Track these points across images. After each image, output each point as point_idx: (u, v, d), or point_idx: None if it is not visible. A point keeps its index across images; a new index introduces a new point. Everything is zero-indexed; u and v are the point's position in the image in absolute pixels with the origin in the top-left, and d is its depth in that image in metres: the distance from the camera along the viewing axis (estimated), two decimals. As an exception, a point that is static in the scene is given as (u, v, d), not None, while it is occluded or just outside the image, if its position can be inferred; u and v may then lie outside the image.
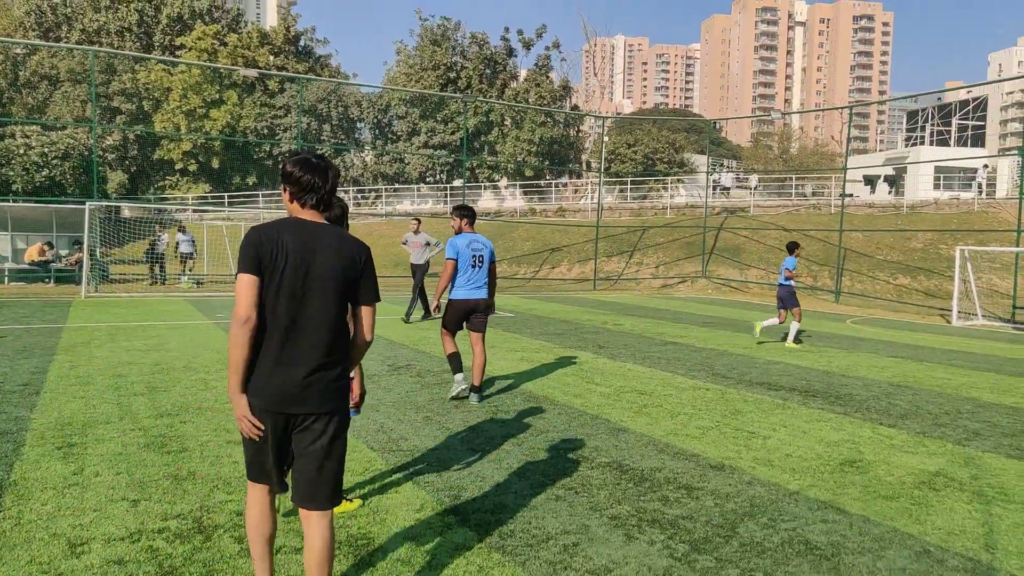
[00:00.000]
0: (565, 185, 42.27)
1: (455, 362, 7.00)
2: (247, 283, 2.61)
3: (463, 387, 7.00)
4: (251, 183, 44.83)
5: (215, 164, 44.29)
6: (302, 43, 49.72)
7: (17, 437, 5.36)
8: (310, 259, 2.68)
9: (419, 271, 14.28)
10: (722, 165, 47.99)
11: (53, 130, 35.46)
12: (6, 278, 20.52)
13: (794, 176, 40.25)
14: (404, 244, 14.79)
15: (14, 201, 26.15)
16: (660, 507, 4.32)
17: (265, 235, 2.66)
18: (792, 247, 11.89)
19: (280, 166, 2.76)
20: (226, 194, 43.46)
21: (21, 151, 32.95)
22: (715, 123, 60.05)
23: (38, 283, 20.35)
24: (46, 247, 21.16)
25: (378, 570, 3.38)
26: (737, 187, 39.62)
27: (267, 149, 43.73)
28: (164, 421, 5.94)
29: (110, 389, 7.08)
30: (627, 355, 10.25)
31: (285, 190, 2.81)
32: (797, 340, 11.82)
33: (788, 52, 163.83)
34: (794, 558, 3.69)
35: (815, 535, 4.00)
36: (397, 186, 43.86)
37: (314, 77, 41.54)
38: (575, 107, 49.84)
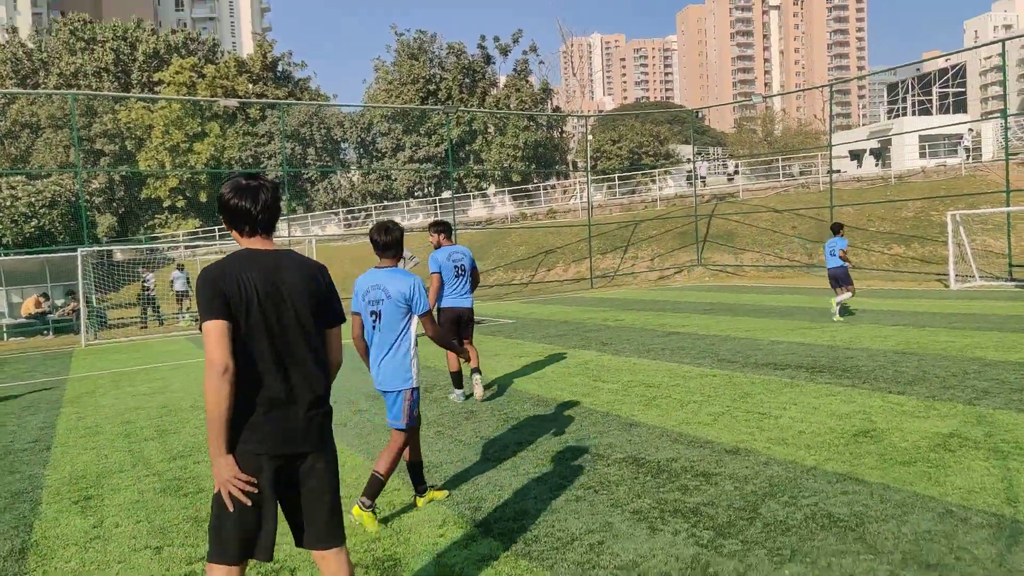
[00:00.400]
0: (553, 187, 42.33)
1: (457, 379, 7.55)
2: (218, 330, 2.40)
3: (461, 400, 7.52)
4: (240, 214, 44.82)
5: (203, 198, 44.32)
6: (280, 68, 49.81)
7: (33, 496, 5.34)
8: (278, 289, 2.54)
9: None
10: (707, 153, 48.15)
11: (38, 178, 35.44)
12: (4, 334, 20.45)
13: (780, 158, 40.38)
14: None
15: (5, 254, 26.12)
16: (680, 496, 4.33)
17: (224, 274, 2.48)
18: (837, 228, 12.38)
19: None
20: (216, 227, 43.46)
21: (8, 203, 32.92)
22: (697, 112, 60.23)
23: (37, 336, 20.31)
24: (42, 299, 21.10)
25: (406, 589, 3.39)
26: (714, 174, 39.76)
27: (253, 178, 43.78)
28: (177, 464, 5.93)
29: (120, 437, 7.07)
30: (631, 350, 10.27)
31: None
32: (843, 313, 12.21)
33: (764, 36, 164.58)
34: (819, 532, 3.71)
35: (837, 507, 4.02)
36: (386, 203, 43.90)
37: (294, 101, 41.63)
38: (557, 109, 49.96)
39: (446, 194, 43.20)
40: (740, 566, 3.39)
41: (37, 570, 3.96)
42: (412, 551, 3.83)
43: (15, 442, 7.18)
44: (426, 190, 44.02)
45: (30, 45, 48.99)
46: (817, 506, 4.06)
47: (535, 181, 43.75)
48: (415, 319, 4.43)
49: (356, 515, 4.22)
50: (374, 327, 4.47)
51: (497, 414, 6.87)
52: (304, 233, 38.34)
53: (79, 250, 18.51)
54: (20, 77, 47.33)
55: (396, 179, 43.66)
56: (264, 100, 39.37)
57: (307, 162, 43.56)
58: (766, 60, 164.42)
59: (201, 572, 3.76)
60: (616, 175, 39.74)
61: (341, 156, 47.02)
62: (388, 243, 4.50)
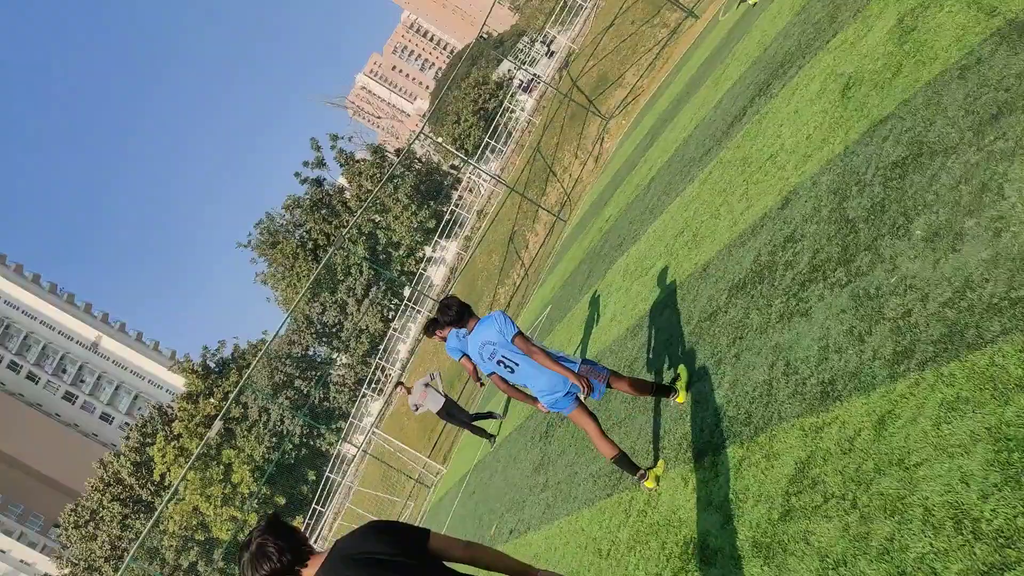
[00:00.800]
0: (461, 199, 41.94)
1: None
2: None
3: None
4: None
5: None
6: (212, 364, 49.57)
7: None
8: None
9: (445, 409, 11.91)
10: None
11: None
12: None
13: None
14: (416, 410, 12.28)
15: None
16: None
17: None
18: None
19: None
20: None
21: None
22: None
23: None
24: None
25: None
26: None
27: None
28: None
29: None
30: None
31: None
32: None
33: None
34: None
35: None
36: (385, 349, 43.54)
37: (236, 388, 41.26)
38: (398, 151, 49.66)
39: (407, 291, 42.78)
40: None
41: None
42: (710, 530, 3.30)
43: None
44: (391, 305, 43.65)
45: None
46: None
47: (446, 208, 43.37)
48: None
49: (649, 486, 4.54)
50: (512, 372, 4.75)
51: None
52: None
53: None
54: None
55: (367, 327, 43.26)
56: (221, 403, 38.83)
57: (305, 391, 43.20)
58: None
59: None
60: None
61: (318, 360, 46.59)
62: (456, 316, 4.92)
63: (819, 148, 4.74)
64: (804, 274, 3.91)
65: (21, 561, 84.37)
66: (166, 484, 42.97)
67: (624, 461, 4.63)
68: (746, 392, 3.81)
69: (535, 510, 6.66)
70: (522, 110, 37.45)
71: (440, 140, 40.29)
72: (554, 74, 32.13)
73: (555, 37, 37.54)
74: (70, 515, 48.81)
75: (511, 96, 39.35)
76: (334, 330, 45.42)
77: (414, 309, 41.59)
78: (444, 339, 7.47)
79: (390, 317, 43.28)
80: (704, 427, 4.11)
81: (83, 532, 47.52)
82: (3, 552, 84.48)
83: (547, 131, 29.99)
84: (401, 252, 42.53)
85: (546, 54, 38.90)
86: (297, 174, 45.25)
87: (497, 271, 30.04)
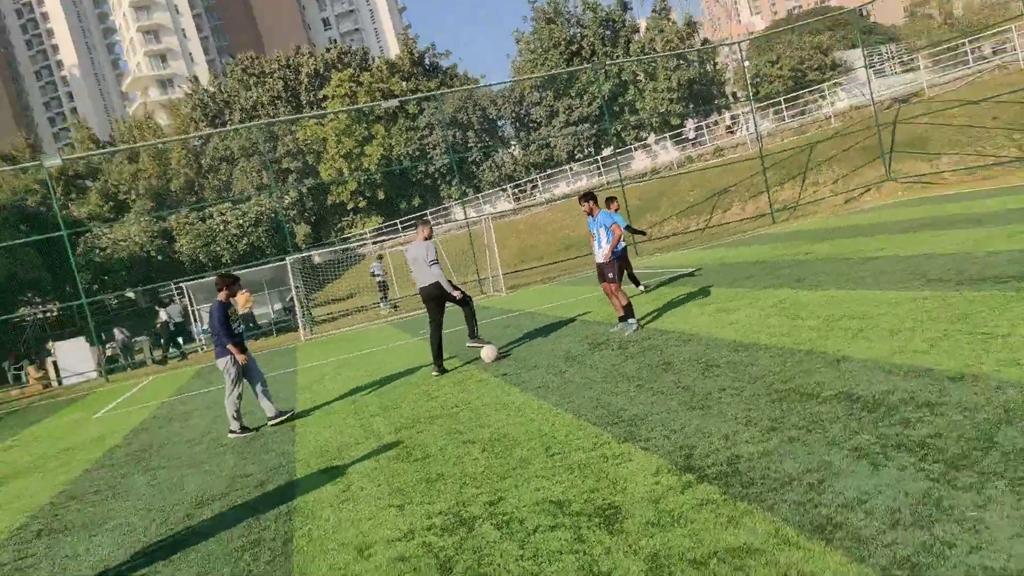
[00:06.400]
0: (716, 124, 40.38)
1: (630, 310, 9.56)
2: None
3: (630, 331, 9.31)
4: (416, 204, 47.48)
5: (381, 196, 47.44)
6: (427, 62, 51.73)
7: (289, 469, 6.21)
8: None
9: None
10: (880, 53, 43.33)
11: (241, 202, 39.89)
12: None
13: (967, 40, 35.38)
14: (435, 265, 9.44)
15: (225, 271, 29.75)
16: (902, 430, 4.12)
17: None
18: None
19: None
20: (398, 220, 46.40)
21: (221, 227, 37.47)
22: (861, 10, 54.17)
23: (267, 336, 23.08)
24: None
25: (631, 535, 3.57)
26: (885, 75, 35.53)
27: (423, 169, 46.06)
28: (403, 435, 6.58)
29: (350, 415, 7.94)
30: (829, 282, 9.69)
31: None
32: None
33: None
34: (1074, 458, 3.38)
35: (1095, 430, 3.62)
36: (550, 171, 44.33)
37: (447, 90, 43.06)
38: (705, 41, 47.37)
39: (607, 151, 42.75)
40: (978, 498, 3.19)
41: (303, 527, 4.64)
42: (631, 499, 4.01)
43: (265, 425, 8.32)
44: (586, 151, 43.81)
45: (211, 89, 54.82)
46: (1068, 427, 3.69)
47: (696, 121, 41.97)
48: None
49: None
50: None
51: (696, 364, 6.85)
52: (478, 213, 39.81)
53: (287, 259, 20.71)
54: (209, 118, 53.22)
55: (555, 146, 43.89)
56: (419, 95, 41.07)
57: (469, 145, 45.03)
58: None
59: (440, 524, 4.20)
60: (781, 98, 37.06)
61: (499, 133, 48.04)
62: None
63: None
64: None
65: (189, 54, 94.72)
66: (324, 103, 46.66)
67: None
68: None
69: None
70: (831, 104, 34.80)
71: (747, 64, 38.12)
72: (887, 100, 29.44)
73: (923, 66, 33.87)
74: (244, 59, 53.93)
75: (832, 84, 36.42)
76: (534, 123, 46.17)
77: (588, 170, 41.73)
78: (588, 212, 9.57)
79: (576, 157, 43.63)
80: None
81: (245, 78, 52.59)
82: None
83: (830, 140, 28.12)
84: (628, 118, 41.94)
85: (902, 69, 35.27)
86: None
87: (686, 206, 29.64)
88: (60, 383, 21.35)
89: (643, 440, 4.97)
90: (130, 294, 35.21)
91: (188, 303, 23.86)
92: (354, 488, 5.26)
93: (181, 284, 24.97)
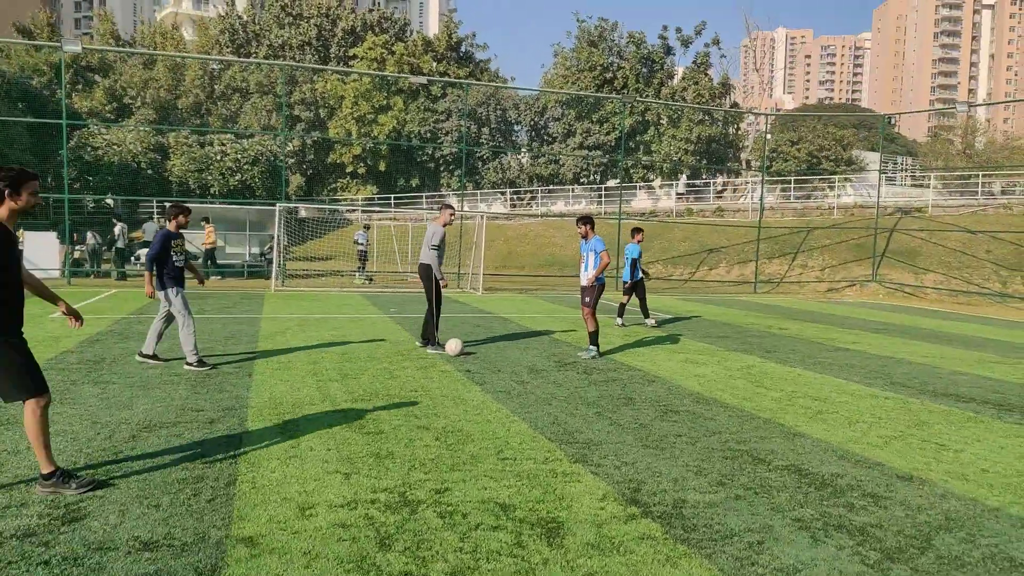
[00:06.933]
0: (724, 185, 40.94)
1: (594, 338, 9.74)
2: None
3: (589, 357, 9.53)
4: (414, 184, 47.31)
5: (382, 167, 47.17)
6: (463, 49, 51.72)
7: (241, 413, 6.16)
8: None
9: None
10: (896, 163, 44.39)
11: (244, 138, 39.41)
12: (209, 273, 23.14)
13: (980, 174, 36.43)
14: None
15: (211, 203, 29.39)
16: (846, 513, 4.24)
17: None
18: None
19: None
20: (392, 196, 46.18)
21: (218, 158, 36.94)
22: (889, 117, 55.51)
23: (233, 278, 22.77)
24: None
25: (571, 551, 3.62)
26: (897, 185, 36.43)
27: (430, 152, 45.94)
28: (359, 405, 6.57)
29: (309, 375, 7.89)
30: (796, 360, 9.89)
31: None
32: None
33: (973, 38, 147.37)
34: (998, 575, 3.51)
35: (1021, 553, 3.76)
36: (552, 187, 44.52)
37: (475, 82, 43.11)
38: (735, 105, 48.09)
39: (611, 183, 43.05)
40: (910, 592, 3.31)
41: (248, 474, 4.61)
42: (575, 517, 4.06)
43: (223, 366, 8.24)
44: (592, 177, 44.10)
45: (245, 18, 54.17)
46: (998, 547, 3.83)
47: (704, 177, 42.50)
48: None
49: None
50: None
51: (656, 405, 6.95)
52: (472, 209, 39.84)
53: (277, 205, 20.51)
54: (235, 46, 52.56)
55: (564, 164, 44.11)
56: (448, 79, 41.09)
57: (481, 141, 45.06)
58: (972, 64, 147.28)
59: (384, 500, 4.21)
60: (792, 177, 37.72)
61: (513, 137, 48.14)
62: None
63: None
64: None
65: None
66: (352, 61, 46.42)
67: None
68: (689, 505, 4.39)
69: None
70: (837, 196, 35.47)
71: (769, 136, 38.73)
72: (891, 207, 30.06)
73: (932, 186, 34.73)
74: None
75: (843, 178, 37.12)
76: (549, 137, 46.34)
77: (589, 195, 42.02)
78: (583, 235, 9.75)
79: (581, 180, 43.91)
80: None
81: (282, 16, 52.05)
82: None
83: (828, 229, 28.66)
84: (640, 156, 42.34)
85: (912, 183, 36.11)
86: (663, 36, 44.30)
87: (675, 255, 29.94)
88: (19, 270, 20.83)
89: (594, 465, 5.03)
90: (109, 201, 34.50)
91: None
92: (303, 447, 5.24)
93: (165, 203, 24.55)
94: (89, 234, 22.93)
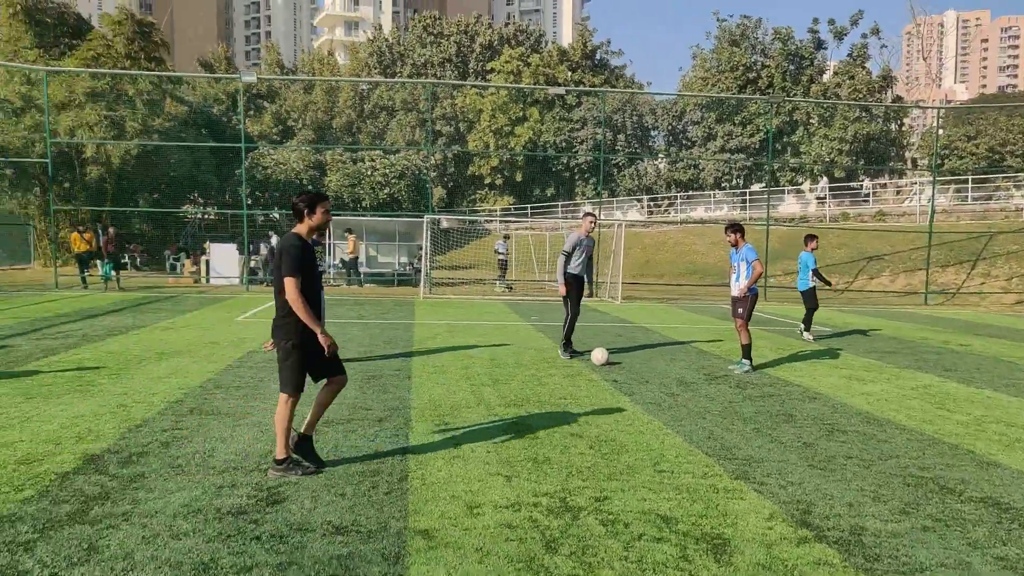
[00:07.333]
0: (884, 186, 38.05)
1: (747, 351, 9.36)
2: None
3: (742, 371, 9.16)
4: (549, 194, 47.77)
5: (518, 178, 48.02)
6: (598, 56, 51.67)
7: (404, 413, 6.47)
8: None
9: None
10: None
11: (391, 153, 41.52)
12: (363, 281, 24.56)
13: None
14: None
15: (362, 215, 31.16)
16: (1058, 555, 3.78)
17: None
18: None
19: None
20: (528, 205, 46.88)
21: (368, 172, 39.15)
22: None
23: (388, 285, 23.98)
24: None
25: (740, 570, 3.49)
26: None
27: (564, 162, 46.21)
28: (512, 410, 6.71)
29: (462, 379, 8.16)
30: (983, 380, 8.96)
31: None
32: None
33: None
34: None
35: None
36: (691, 192, 43.37)
37: (611, 89, 42.93)
38: (898, 98, 44.60)
39: (756, 187, 41.28)
40: None
41: (417, 471, 4.84)
42: (741, 536, 3.91)
43: (386, 368, 8.70)
44: (735, 181, 42.49)
45: (390, 40, 57.11)
46: None
47: (862, 178, 39.72)
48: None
49: None
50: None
51: (820, 423, 6.56)
52: (608, 217, 39.60)
53: (425, 216, 21.42)
54: (382, 67, 55.56)
55: (704, 168, 42.85)
56: (583, 88, 41.13)
57: (616, 148, 44.75)
58: None
59: (546, 504, 4.26)
60: (968, 176, 34.38)
61: (650, 143, 47.42)
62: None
63: None
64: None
65: None
66: (489, 75, 47.77)
67: None
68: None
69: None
70: None
71: (940, 132, 35.63)
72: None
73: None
74: (426, 18, 55.63)
75: None
76: (688, 141, 45.28)
77: (731, 200, 40.41)
78: (733, 244, 9.34)
79: (723, 185, 42.43)
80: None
81: (424, 36, 54.20)
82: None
83: (1015, 233, 25.84)
84: (788, 159, 40.23)
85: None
86: (814, 30, 42.09)
87: (829, 263, 28.19)
88: (207, 281, 23.17)
89: (757, 483, 4.83)
90: (275, 215, 37.57)
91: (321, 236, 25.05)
92: (464, 448, 5.43)
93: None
94: (262, 244, 25.05)
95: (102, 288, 20.22)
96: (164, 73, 31.89)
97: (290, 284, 4.47)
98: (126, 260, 25.96)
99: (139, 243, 31.56)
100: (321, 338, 4.53)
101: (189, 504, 4.15)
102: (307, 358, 4.63)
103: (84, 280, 20.56)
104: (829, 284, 13.70)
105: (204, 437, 5.55)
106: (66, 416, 6.09)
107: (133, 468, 4.78)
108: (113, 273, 20.31)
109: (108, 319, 13.18)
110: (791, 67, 41.77)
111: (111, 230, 21.02)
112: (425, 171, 33.43)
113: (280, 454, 4.71)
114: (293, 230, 4.73)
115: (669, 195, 43.86)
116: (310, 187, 38.96)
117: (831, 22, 41.87)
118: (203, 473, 4.70)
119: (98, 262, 21.03)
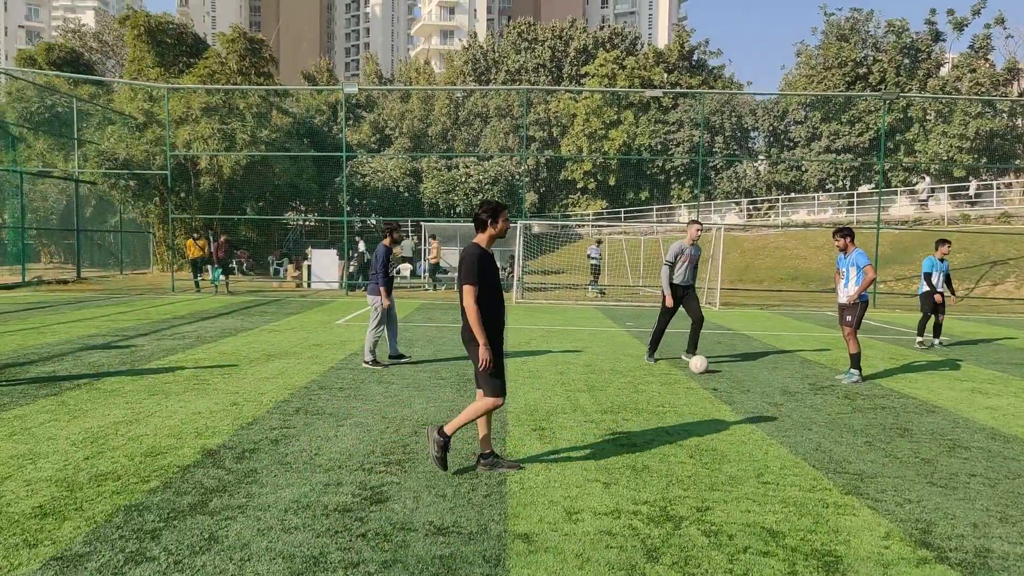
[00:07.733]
0: (1010, 186, 35.33)
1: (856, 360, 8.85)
2: None
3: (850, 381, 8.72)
4: (643, 198, 47.08)
5: (611, 182, 47.60)
6: (695, 57, 50.57)
7: (501, 417, 6.53)
8: None
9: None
10: None
11: (485, 160, 42.09)
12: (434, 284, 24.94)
13: None
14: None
15: (456, 222, 31.74)
16: None
17: None
18: None
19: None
20: (621, 209, 46.38)
21: (463, 179, 39.85)
22: None
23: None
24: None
25: (854, 591, 3.32)
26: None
27: (660, 165, 45.44)
28: (608, 416, 6.65)
29: (557, 384, 8.16)
30: (1125, 396, 8.17)
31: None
32: None
33: None
34: None
35: None
36: (793, 195, 41.69)
37: (708, 90, 41.92)
38: None
39: (864, 188, 39.22)
40: None
41: (515, 476, 4.86)
42: (855, 554, 3.73)
43: (404, 359, 8.84)
44: (840, 183, 40.53)
45: (485, 47, 57.89)
46: None
47: (984, 178, 37.02)
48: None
49: None
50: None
51: (939, 439, 6.16)
52: (706, 221, 38.64)
53: (519, 222, 21.58)
54: (477, 75, 56.41)
55: (807, 170, 41.11)
56: (681, 90, 40.38)
57: (714, 150, 43.61)
58: None
59: (646, 512, 4.20)
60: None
61: (750, 144, 45.94)
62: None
63: None
64: None
65: None
66: (584, 79, 47.71)
67: None
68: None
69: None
70: None
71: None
72: None
73: None
74: (520, 24, 56.13)
75: None
76: (790, 142, 43.58)
77: (836, 203, 38.49)
78: (842, 249, 8.91)
79: (827, 187, 40.53)
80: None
81: (518, 42, 54.68)
82: None
83: None
84: (901, 157, 37.97)
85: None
86: (931, 21, 39.61)
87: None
88: (309, 285, 24.24)
89: (871, 499, 4.58)
90: (372, 221, 38.84)
91: (418, 241, 25.78)
92: (562, 454, 5.43)
93: (420, 222, 27.03)
94: (360, 242, 25.88)
95: (212, 292, 21.52)
96: (272, 87, 33.63)
97: (467, 292, 4.66)
98: (233, 265, 27.55)
99: (246, 249, 33.40)
100: (481, 350, 4.65)
101: (298, 500, 4.34)
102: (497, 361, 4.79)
103: (197, 284, 21.94)
104: (938, 292, 12.33)
105: (310, 436, 5.80)
106: (185, 412, 6.51)
107: (246, 463, 5.05)
108: (222, 278, 21.57)
109: (220, 321, 14.02)
110: (906, 61, 39.50)
111: (223, 237, 22.31)
112: (518, 176, 33.71)
113: (484, 448, 4.99)
114: (474, 240, 4.88)
115: (769, 198, 42.35)
116: (405, 193, 40.11)
117: (950, 12, 39.34)
118: (310, 470, 4.91)
119: (209, 267, 22.39)
